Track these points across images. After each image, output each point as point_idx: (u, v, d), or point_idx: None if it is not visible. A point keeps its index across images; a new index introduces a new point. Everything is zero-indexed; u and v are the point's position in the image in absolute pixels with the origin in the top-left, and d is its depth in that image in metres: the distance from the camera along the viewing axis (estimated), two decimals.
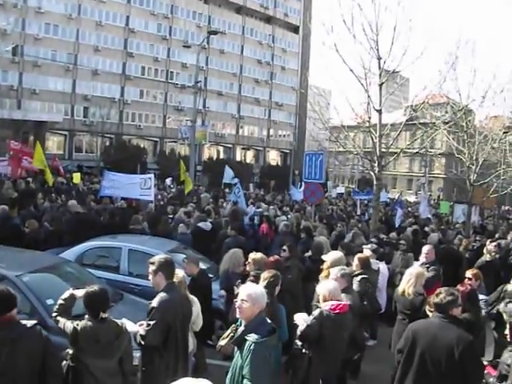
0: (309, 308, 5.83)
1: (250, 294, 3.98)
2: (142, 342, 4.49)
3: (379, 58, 12.26)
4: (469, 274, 6.64)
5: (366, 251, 8.10)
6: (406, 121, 13.78)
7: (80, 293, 4.26)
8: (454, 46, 14.67)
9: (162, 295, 4.58)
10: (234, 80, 62.12)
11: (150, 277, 4.73)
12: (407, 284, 6.15)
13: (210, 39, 51.01)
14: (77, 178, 22.11)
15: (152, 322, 4.43)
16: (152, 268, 4.68)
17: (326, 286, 5.07)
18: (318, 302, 5.13)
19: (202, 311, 5.69)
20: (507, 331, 4.59)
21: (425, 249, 8.00)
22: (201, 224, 11.21)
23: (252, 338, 3.82)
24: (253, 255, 6.47)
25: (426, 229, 14.24)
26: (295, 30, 67.77)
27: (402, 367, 4.53)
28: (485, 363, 5.07)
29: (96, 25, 50.03)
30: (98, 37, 50.40)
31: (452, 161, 30.06)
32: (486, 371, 4.72)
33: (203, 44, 35.13)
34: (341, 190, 41.29)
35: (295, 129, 69.42)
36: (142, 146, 49.64)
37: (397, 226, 16.16)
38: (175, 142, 49.70)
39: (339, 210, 20.42)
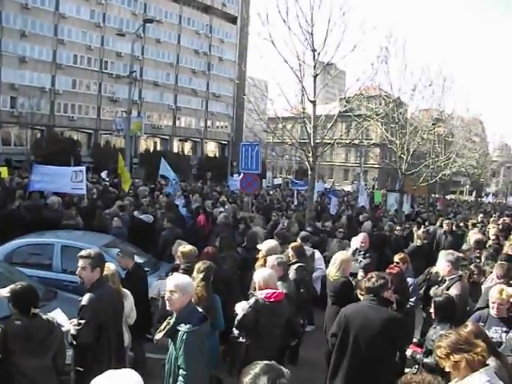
0: (247, 297, 5.88)
1: (178, 284, 3.97)
2: (74, 342, 4.38)
3: (314, 50, 12.42)
4: (397, 258, 6.95)
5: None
6: (342, 112, 14.10)
7: (4, 292, 4.06)
8: (386, 40, 15.25)
9: (91, 292, 4.47)
10: (171, 70, 60.90)
11: (83, 272, 4.54)
12: (332, 268, 6.33)
13: (145, 28, 49.72)
14: (4, 172, 20.97)
15: (83, 321, 4.32)
16: (88, 262, 4.49)
17: (261, 274, 5.10)
18: (254, 290, 5.18)
19: (138, 305, 5.62)
20: (432, 309, 4.87)
21: (360, 237, 8.24)
22: (143, 216, 11.02)
23: (183, 327, 3.82)
24: (182, 248, 6.41)
25: (361, 217, 14.66)
26: (233, 20, 67.18)
27: (336, 350, 4.67)
28: (414, 340, 5.37)
29: (22, 7, 46.64)
30: (25, 21, 46.95)
31: (386, 151, 31.17)
32: (411, 350, 4.99)
33: (138, 32, 34.23)
34: (278, 180, 41.76)
35: (233, 120, 69.26)
36: (75, 138, 47.90)
37: (332, 214, 16.57)
38: (110, 133, 47.96)
39: (276, 200, 20.65)
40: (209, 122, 66.86)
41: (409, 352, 4.92)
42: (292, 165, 56.90)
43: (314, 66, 12.58)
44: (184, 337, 3.78)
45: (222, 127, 69.09)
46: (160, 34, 58.32)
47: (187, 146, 64.59)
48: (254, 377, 2.13)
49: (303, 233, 9.08)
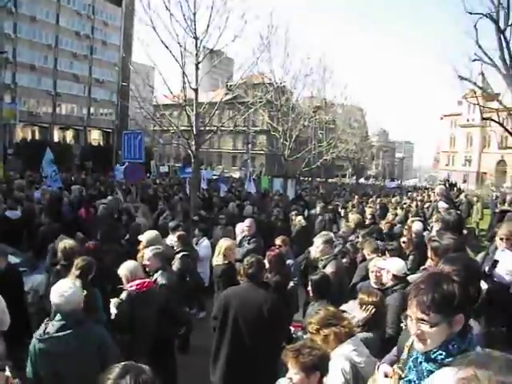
0: None
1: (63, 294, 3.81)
2: None
3: (196, 38, 12.31)
4: (278, 241, 7.19)
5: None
6: (228, 100, 14.16)
7: None
8: (267, 29, 15.60)
9: None
10: (49, 52, 55.75)
11: None
12: (216, 254, 6.51)
13: (17, 2, 45.44)
14: None
15: None
16: None
17: (126, 267, 5.05)
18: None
19: (13, 307, 5.23)
20: (309, 288, 5.11)
21: (246, 222, 8.37)
22: (8, 213, 10.19)
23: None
24: (62, 244, 6.07)
25: (245, 203, 14.93)
26: (118, 2, 62.72)
27: (218, 332, 4.76)
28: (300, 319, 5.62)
29: None
30: None
31: (271, 138, 32.05)
32: (293, 328, 5.23)
33: (9, 6, 31.24)
34: (165, 168, 41.04)
35: (117, 107, 66.24)
36: None
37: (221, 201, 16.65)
38: None
39: (162, 188, 20.35)
40: (92, 109, 62.95)
41: (291, 330, 5.15)
42: (180, 152, 56.12)
43: (196, 54, 12.47)
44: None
45: (106, 115, 65.29)
46: (35, 10, 52.50)
47: (69, 135, 60.65)
48: (115, 380, 2.08)
49: (173, 222, 8.99)
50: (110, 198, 13.04)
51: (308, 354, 2.86)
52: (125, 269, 5.00)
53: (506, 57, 24.15)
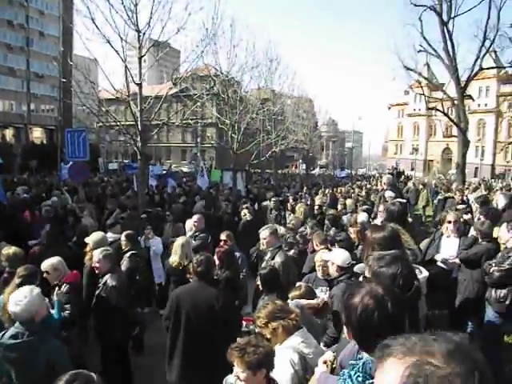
0: None
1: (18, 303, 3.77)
2: None
3: (138, 31, 12.05)
4: (223, 236, 7.18)
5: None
6: (176, 93, 13.95)
7: None
8: (212, 21, 15.50)
9: None
10: None
11: None
12: (173, 253, 6.52)
13: None
14: None
15: None
16: None
17: (52, 262, 5.23)
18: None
19: None
20: (259, 282, 5.17)
21: (194, 218, 8.34)
22: None
23: None
24: (4, 251, 5.82)
25: (196, 198, 14.81)
26: None
27: (171, 332, 4.77)
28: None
29: None
30: None
31: (221, 131, 32.01)
32: (244, 322, 5.29)
33: None
34: (114, 165, 40.12)
35: (59, 103, 63.33)
36: None
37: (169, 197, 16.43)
38: None
39: (111, 186, 19.90)
40: (32, 106, 60.28)
41: (243, 324, 5.20)
42: (127, 148, 54.88)
43: (139, 47, 12.21)
44: None
45: (48, 111, 62.41)
46: None
47: (9, 133, 58.00)
48: None
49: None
50: (54, 198, 12.61)
51: (253, 352, 2.91)
52: (55, 264, 5.10)
53: (449, 48, 25.28)
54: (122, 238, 7.18)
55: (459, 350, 1.02)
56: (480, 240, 6.47)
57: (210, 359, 4.48)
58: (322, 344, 4.28)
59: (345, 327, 2.01)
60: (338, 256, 5.05)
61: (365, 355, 2.06)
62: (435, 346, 1.03)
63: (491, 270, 5.74)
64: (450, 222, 6.97)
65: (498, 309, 5.70)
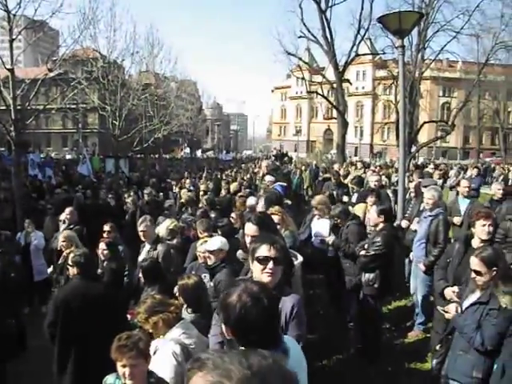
0: None
1: None
2: None
3: (7, 11, 11.07)
4: (106, 227, 6.96)
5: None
6: (54, 76, 13.10)
7: None
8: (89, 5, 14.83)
9: None
10: None
11: None
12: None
13: None
14: None
15: None
16: None
17: None
18: None
19: None
20: (140, 274, 5.15)
21: (66, 211, 8.00)
22: None
23: None
24: None
25: (78, 188, 14.21)
26: None
27: (60, 338, 4.53)
28: None
29: None
30: None
31: (103, 116, 30.76)
32: (129, 316, 5.23)
33: None
34: None
35: None
36: None
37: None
38: None
39: None
40: None
41: (128, 318, 5.14)
42: (3, 135, 50.34)
43: (10, 29, 11.23)
44: None
45: None
46: None
47: None
48: None
49: None
50: None
51: (129, 348, 3.02)
52: None
53: (328, 35, 26.72)
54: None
55: (257, 379, 1.00)
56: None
57: (105, 356, 4.41)
58: None
59: (223, 326, 2.10)
60: (212, 244, 5.11)
61: None
62: (239, 368, 1.00)
63: (360, 254, 5.97)
64: (316, 208, 7.33)
65: (368, 291, 5.86)
